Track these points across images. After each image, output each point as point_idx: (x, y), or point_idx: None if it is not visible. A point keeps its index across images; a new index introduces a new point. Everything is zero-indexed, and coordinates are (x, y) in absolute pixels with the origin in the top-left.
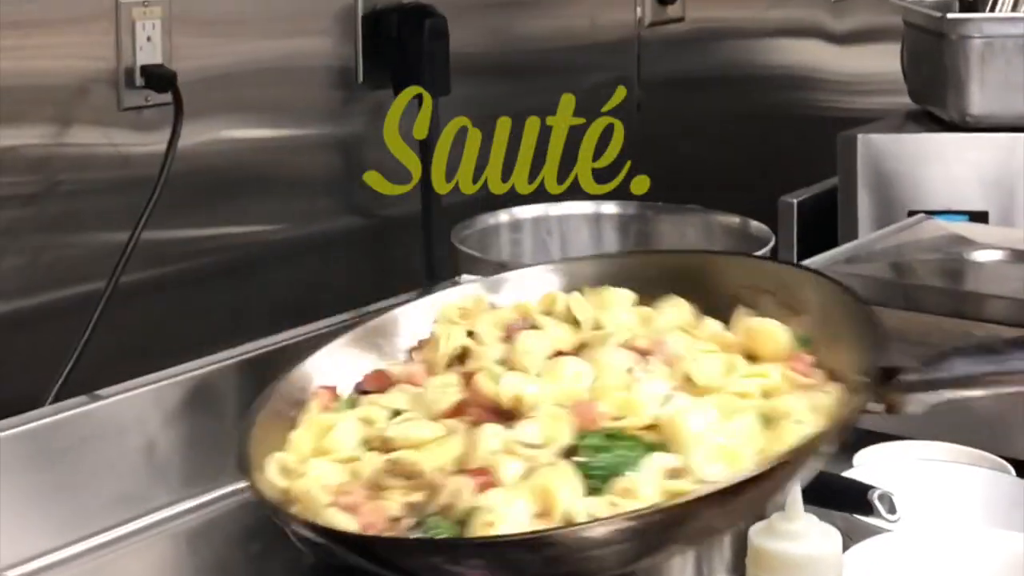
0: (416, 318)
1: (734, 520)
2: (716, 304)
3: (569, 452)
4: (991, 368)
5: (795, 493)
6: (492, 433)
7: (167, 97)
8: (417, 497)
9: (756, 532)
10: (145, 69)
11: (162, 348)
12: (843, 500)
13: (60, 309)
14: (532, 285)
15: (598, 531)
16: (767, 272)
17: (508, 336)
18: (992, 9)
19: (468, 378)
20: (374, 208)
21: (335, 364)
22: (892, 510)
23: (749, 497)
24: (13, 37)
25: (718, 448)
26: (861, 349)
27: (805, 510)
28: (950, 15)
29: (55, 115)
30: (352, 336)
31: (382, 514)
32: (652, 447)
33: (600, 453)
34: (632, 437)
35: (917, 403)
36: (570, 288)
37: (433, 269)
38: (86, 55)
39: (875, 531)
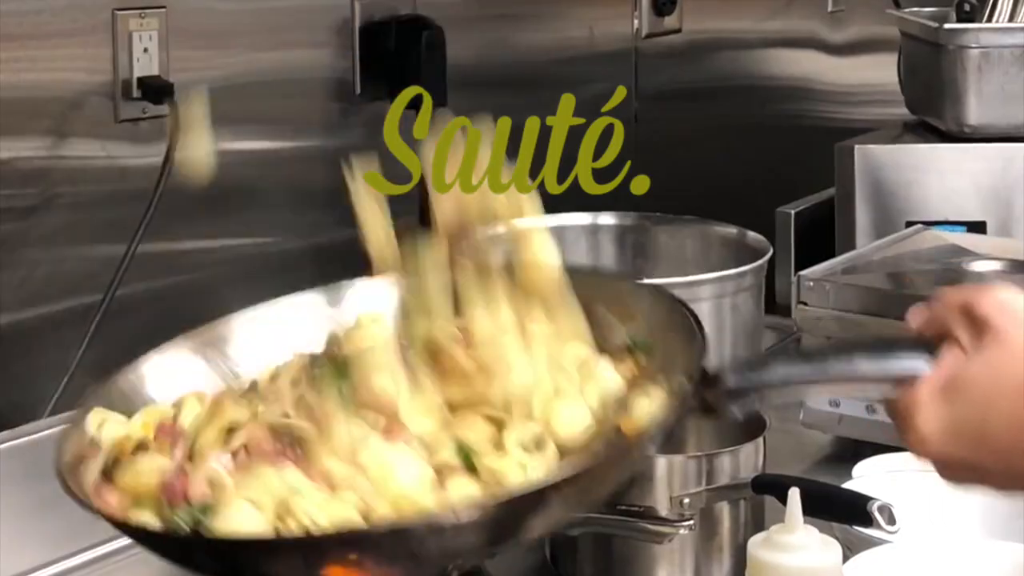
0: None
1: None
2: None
3: None
4: (809, 374)
5: (795, 505)
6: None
7: (164, 109)
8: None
9: (755, 544)
10: (142, 81)
11: None
12: (842, 511)
13: (56, 322)
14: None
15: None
16: (596, 283)
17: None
18: (989, 19)
19: None
20: None
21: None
22: (891, 521)
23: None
24: (9, 49)
25: None
26: (686, 355)
27: (804, 522)
28: (947, 25)
29: (52, 127)
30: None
31: None
32: None
33: None
34: None
35: (736, 407)
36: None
37: None
38: (83, 67)
39: (875, 542)
